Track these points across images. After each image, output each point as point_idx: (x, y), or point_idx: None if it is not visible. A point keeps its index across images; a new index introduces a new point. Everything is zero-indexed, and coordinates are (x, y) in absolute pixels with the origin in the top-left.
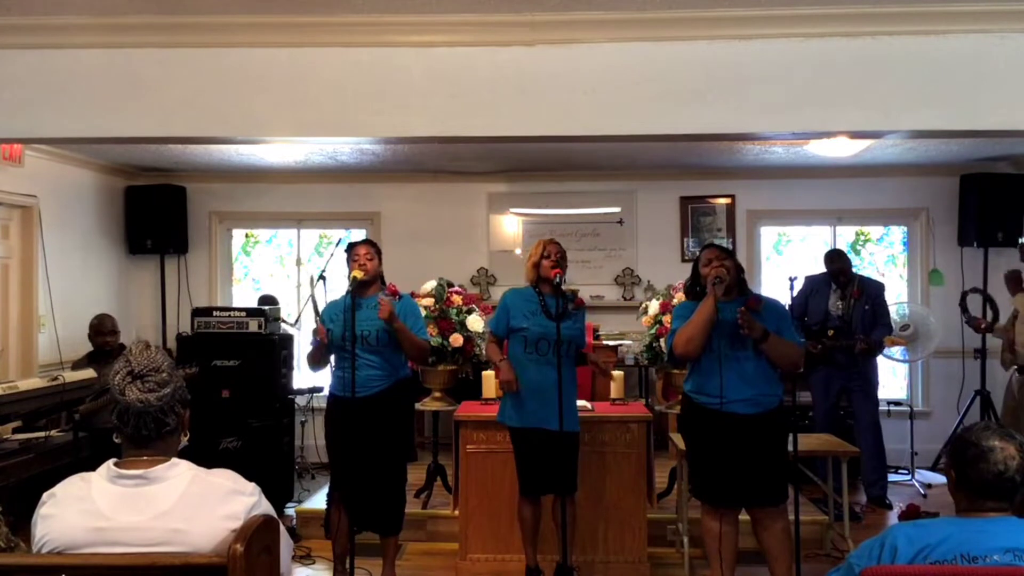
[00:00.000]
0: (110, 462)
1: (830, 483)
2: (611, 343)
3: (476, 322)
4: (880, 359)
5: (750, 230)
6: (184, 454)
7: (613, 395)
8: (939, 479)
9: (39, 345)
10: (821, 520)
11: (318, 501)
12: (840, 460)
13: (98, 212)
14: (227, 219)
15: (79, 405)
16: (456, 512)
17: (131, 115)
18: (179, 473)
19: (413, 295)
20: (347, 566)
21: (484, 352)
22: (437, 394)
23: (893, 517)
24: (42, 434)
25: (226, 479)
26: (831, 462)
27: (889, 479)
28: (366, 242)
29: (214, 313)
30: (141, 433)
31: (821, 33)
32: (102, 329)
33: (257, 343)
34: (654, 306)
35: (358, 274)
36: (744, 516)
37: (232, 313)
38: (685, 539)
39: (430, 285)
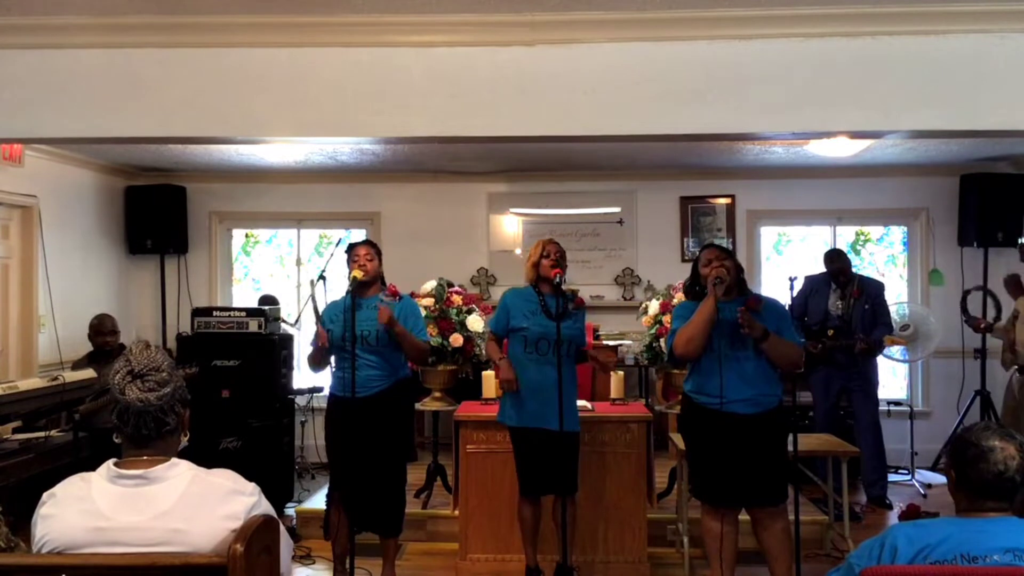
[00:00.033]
0: (110, 462)
1: (830, 483)
2: (611, 343)
3: (476, 322)
4: (880, 359)
5: (750, 230)
6: (184, 454)
7: (613, 395)
8: (939, 479)
9: (39, 345)
10: (821, 520)
11: (318, 501)
12: (840, 460)
13: (98, 212)
14: (227, 219)
15: (79, 405)
16: (456, 512)
17: (131, 115)
18: (179, 473)
19: (413, 295)
20: (347, 566)
21: (484, 352)
22: (437, 394)
23: (893, 517)
24: (42, 434)
25: (226, 479)
26: (831, 462)
27: (889, 479)
28: (366, 243)
29: (214, 313)
30: (141, 433)
31: (821, 33)
32: (102, 329)
33: (257, 343)
34: (654, 306)
35: (358, 274)
36: (744, 516)
37: (232, 313)
38: (685, 539)
39: (430, 285)
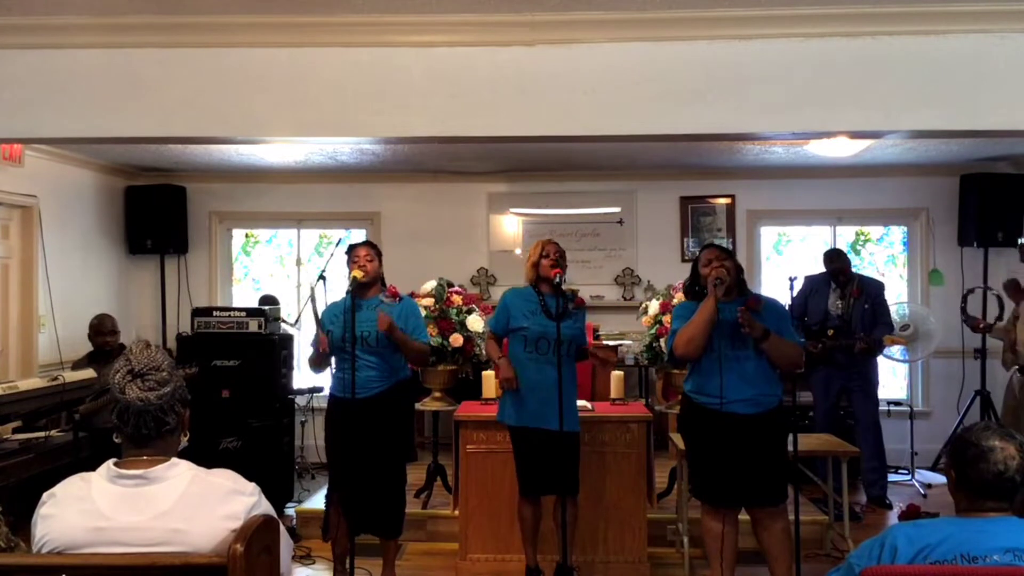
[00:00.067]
0: (110, 462)
1: (830, 483)
2: (611, 343)
3: (476, 322)
4: (880, 359)
5: (750, 230)
6: (184, 454)
7: (613, 395)
8: (939, 479)
9: (39, 345)
10: (821, 520)
11: (318, 501)
12: (840, 460)
13: (98, 212)
14: (227, 219)
15: (79, 405)
16: (456, 512)
17: (131, 115)
18: (179, 473)
19: (413, 295)
20: (347, 566)
21: (484, 351)
22: (437, 394)
23: (893, 517)
24: (42, 434)
25: (226, 479)
26: (831, 462)
27: (889, 479)
28: (366, 243)
29: (214, 313)
30: (141, 432)
31: (821, 33)
32: (102, 329)
33: (257, 343)
34: (654, 306)
35: (358, 274)
36: (744, 516)
37: (232, 313)
38: (685, 539)
39: (430, 285)
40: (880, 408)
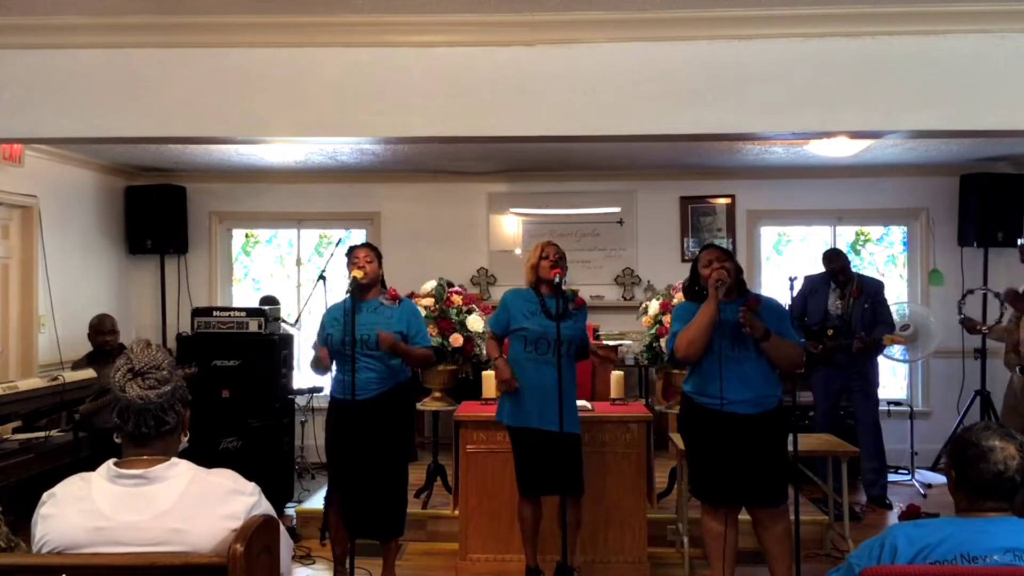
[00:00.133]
0: (110, 462)
1: (830, 483)
2: (611, 343)
3: (476, 322)
4: (880, 359)
5: (750, 230)
6: (184, 454)
7: (613, 395)
8: (939, 479)
9: (39, 345)
10: (821, 520)
11: (318, 501)
12: (840, 460)
13: (98, 212)
14: (227, 219)
15: (79, 405)
16: (456, 512)
17: (131, 115)
18: (179, 473)
19: (413, 295)
20: (347, 566)
21: (484, 351)
22: (437, 394)
23: (893, 517)
24: (42, 434)
25: (226, 479)
26: (831, 462)
27: (889, 479)
28: (366, 245)
29: (214, 313)
30: (141, 431)
31: (821, 33)
32: (102, 328)
33: (257, 343)
34: (654, 306)
35: (358, 275)
36: (744, 516)
37: (232, 313)
38: (685, 539)
39: (430, 285)
40: (880, 408)
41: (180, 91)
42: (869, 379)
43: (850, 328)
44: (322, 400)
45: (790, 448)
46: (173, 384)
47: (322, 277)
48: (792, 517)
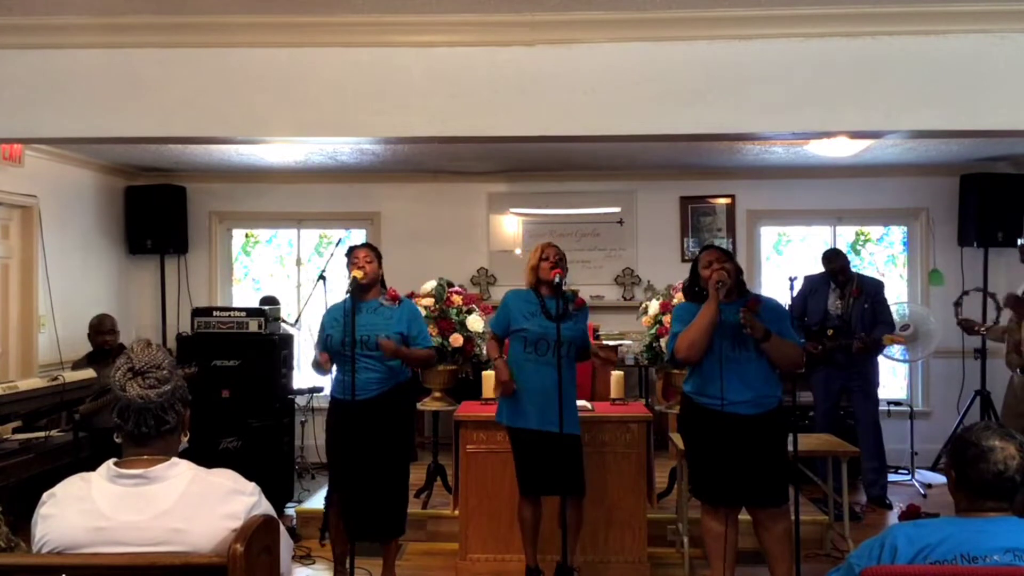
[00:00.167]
0: (110, 462)
1: (830, 483)
2: (611, 343)
3: (476, 322)
4: (880, 359)
5: (750, 230)
6: (184, 454)
7: (613, 395)
8: (939, 479)
9: (39, 345)
10: (821, 520)
11: (318, 501)
12: (840, 460)
13: (98, 212)
14: (227, 219)
15: (79, 405)
16: (456, 512)
17: (131, 115)
18: (179, 472)
19: (412, 295)
20: (347, 566)
21: (485, 351)
22: (437, 394)
23: (893, 517)
24: (42, 434)
25: (226, 479)
26: (831, 462)
27: (889, 479)
28: (366, 245)
29: (214, 313)
30: (141, 430)
31: (821, 33)
32: (102, 328)
33: (257, 343)
34: (654, 306)
35: (358, 275)
36: (744, 516)
37: (232, 313)
38: (685, 539)
39: (430, 285)
40: (880, 408)
41: (180, 91)
42: (869, 379)
43: (850, 328)
44: (322, 400)
45: (790, 448)
46: (173, 383)
47: (322, 277)
48: (792, 517)
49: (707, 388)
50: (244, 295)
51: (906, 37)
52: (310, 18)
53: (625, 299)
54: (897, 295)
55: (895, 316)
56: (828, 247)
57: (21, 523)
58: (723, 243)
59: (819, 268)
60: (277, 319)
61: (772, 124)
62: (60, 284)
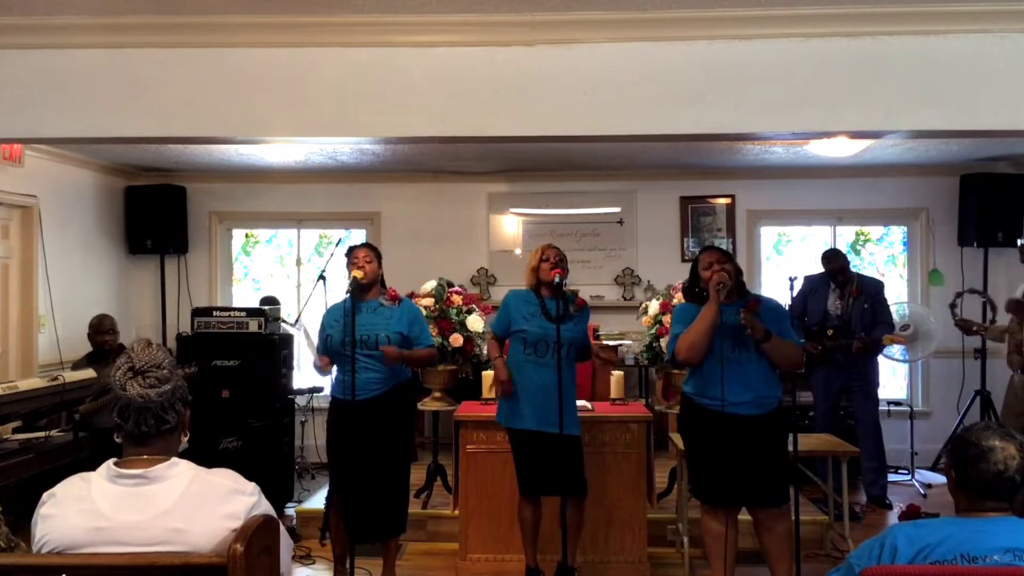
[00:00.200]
0: (110, 462)
1: (830, 483)
2: (611, 343)
3: (476, 322)
4: (880, 359)
5: (750, 230)
6: (184, 454)
7: (613, 395)
8: (939, 479)
9: (39, 345)
10: (821, 520)
11: (318, 501)
12: (840, 460)
13: (98, 212)
14: (227, 219)
15: (79, 405)
16: (456, 512)
17: (131, 115)
18: (179, 472)
19: (412, 295)
20: (347, 566)
21: (485, 351)
22: (437, 394)
23: (893, 517)
24: (42, 434)
25: (226, 479)
26: (831, 462)
27: (889, 479)
28: (365, 245)
29: (214, 313)
30: (141, 430)
31: (821, 33)
32: (101, 328)
33: (257, 343)
34: (654, 306)
35: (358, 274)
36: (744, 516)
37: (232, 313)
38: (685, 539)
39: (430, 285)
40: (880, 408)
41: (180, 91)
42: (869, 379)
43: (850, 328)
44: (322, 400)
45: (790, 448)
46: (173, 383)
47: (322, 277)
48: (792, 517)
49: (707, 389)
50: (244, 295)
51: (906, 37)
52: (310, 18)
53: (625, 299)
54: (897, 295)
55: (895, 316)
56: (828, 247)
57: (21, 523)
58: (723, 243)
59: (819, 268)
60: (277, 319)
61: (772, 124)
62: (60, 284)
